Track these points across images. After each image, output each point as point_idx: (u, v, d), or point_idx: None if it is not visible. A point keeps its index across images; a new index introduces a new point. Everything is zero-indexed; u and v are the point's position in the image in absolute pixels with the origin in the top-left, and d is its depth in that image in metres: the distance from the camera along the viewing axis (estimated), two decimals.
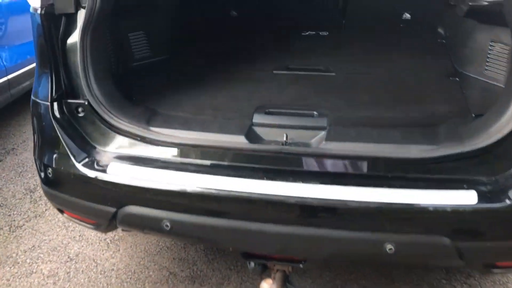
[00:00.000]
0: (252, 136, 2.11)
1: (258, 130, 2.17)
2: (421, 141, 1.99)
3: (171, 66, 2.93)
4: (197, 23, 3.52)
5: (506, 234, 1.86)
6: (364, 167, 1.96)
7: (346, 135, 2.06)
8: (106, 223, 2.19)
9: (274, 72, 2.80)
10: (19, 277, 2.93)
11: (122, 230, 2.77)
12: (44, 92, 2.22)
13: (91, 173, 2.11)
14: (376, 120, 2.20)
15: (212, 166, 2.05)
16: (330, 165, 1.98)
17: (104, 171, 2.09)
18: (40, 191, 3.72)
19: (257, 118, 2.22)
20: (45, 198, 2.48)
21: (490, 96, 2.28)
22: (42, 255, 3.10)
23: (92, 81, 2.17)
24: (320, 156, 1.98)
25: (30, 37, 2.38)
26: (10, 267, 3.00)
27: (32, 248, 3.17)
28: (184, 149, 2.10)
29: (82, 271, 2.95)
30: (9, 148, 4.50)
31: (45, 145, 2.25)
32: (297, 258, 2.17)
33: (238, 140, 2.07)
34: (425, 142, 1.98)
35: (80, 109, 2.22)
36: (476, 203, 1.79)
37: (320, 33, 3.49)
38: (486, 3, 2.23)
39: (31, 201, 3.68)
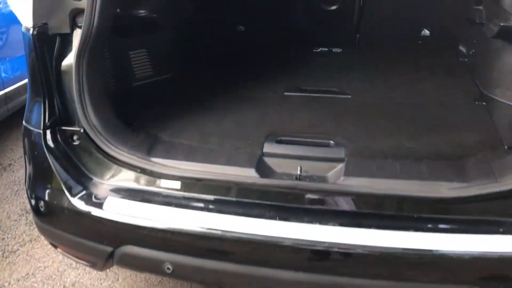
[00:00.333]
0: (263, 169, 1.93)
1: (269, 161, 1.99)
2: (450, 178, 1.80)
3: (174, 86, 2.75)
4: (203, 39, 3.34)
5: None
6: (388, 207, 1.78)
7: (367, 170, 1.87)
8: (102, 263, 2.01)
9: (285, 93, 2.61)
10: None
11: None
12: (36, 119, 2.05)
13: (86, 209, 1.93)
14: (399, 151, 2.01)
15: (219, 203, 1.87)
16: (350, 205, 1.80)
17: (100, 206, 1.92)
18: None
19: (268, 148, 2.04)
20: None
21: None
22: (36, 285, 2.91)
23: (89, 107, 1.99)
24: (338, 194, 1.80)
25: None
26: None
27: (26, 276, 2.99)
28: (188, 183, 1.92)
29: None
30: (6, 164, 4.33)
31: (37, 176, 2.08)
32: None
33: (248, 174, 1.89)
34: (454, 179, 1.79)
35: (75, 137, 2.05)
36: None
37: (333, 49, 3.30)
38: None
39: (26, 223, 3.49)
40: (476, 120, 2.25)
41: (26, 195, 3.80)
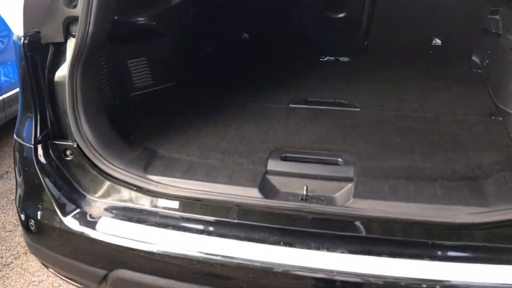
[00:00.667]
0: (266, 188, 1.82)
1: (274, 180, 1.88)
2: (468, 201, 1.68)
3: (175, 96, 2.63)
4: (205, 47, 3.22)
5: None
6: (401, 233, 1.65)
7: (378, 191, 1.75)
8: (95, 286, 1.89)
9: (290, 106, 2.49)
10: None
11: None
12: (27, 132, 1.94)
13: (78, 229, 1.82)
14: (412, 170, 1.88)
15: (218, 225, 1.75)
16: (360, 230, 1.68)
17: (93, 227, 1.81)
18: None
19: (272, 165, 1.93)
20: None
21: None
22: None
23: (83, 121, 1.88)
24: (347, 218, 1.67)
25: None
26: None
27: None
28: (186, 203, 1.80)
29: None
30: (3, 171, 4.22)
31: (28, 193, 1.97)
32: None
33: (250, 194, 1.77)
34: (472, 202, 1.67)
35: (68, 152, 1.94)
36: None
37: (340, 58, 3.18)
38: None
39: (21, 234, 3.38)
40: (493, 136, 2.12)
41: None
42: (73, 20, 1.82)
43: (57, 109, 1.92)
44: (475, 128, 2.21)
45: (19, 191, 2.00)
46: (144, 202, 1.83)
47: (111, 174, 1.87)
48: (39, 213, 1.90)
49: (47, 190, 1.88)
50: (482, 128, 2.20)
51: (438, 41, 3.11)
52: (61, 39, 1.85)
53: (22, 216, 1.96)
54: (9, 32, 4.31)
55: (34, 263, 3.10)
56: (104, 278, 1.82)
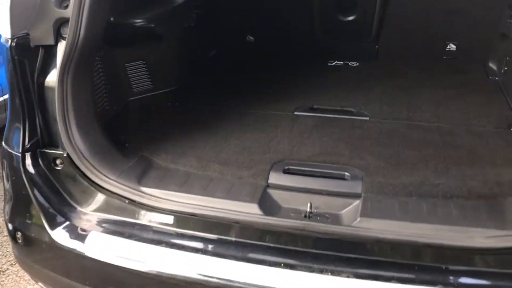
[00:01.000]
0: (267, 204, 1.70)
1: (275, 194, 1.76)
2: (485, 223, 1.55)
3: (175, 102, 2.51)
4: (208, 50, 3.10)
5: None
6: (412, 256, 1.52)
7: (387, 210, 1.63)
8: None
9: (296, 113, 2.37)
10: None
11: None
12: (16, 140, 1.83)
13: (66, 244, 1.72)
14: (424, 187, 1.75)
15: (214, 243, 1.63)
16: (367, 252, 1.54)
17: (82, 242, 1.70)
18: None
19: (274, 178, 1.81)
20: None
21: None
22: None
23: (73, 128, 1.77)
24: (354, 239, 1.55)
25: None
26: None
27: None
28: (181, 218, 1.69)
29: None
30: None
31: (15, 204, 1.86)
32: None
33: (250, 210, 1.66)
34: (490, 224, 1.54)
35: (58, 161, 1.83)
36: None
37: (349, 63, 3.04)
38: None
39: None
40: None
41: None
42: (64, 21, 1.71)
43: (47, 116, 1.81)
44: (492, 141, 2.06)
45: (7, 201, 1.90)
46: (137, 216, 1.72)
47: (102, 186, 1.77)
48: (26, 225, 1.80)
49: (34, 201, 1.77)
50: (501, 141, 2.06)
51: (452, 46, 2.95)
52: (52, 42, 1.74)
53: (10, 227, 1.86)
54: None
55: None
56: None
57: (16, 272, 3.00)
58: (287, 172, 1.85)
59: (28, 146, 1.81)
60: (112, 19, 2.17)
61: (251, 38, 3.15)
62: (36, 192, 1.79)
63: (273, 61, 3.09)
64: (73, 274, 1.75)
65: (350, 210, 1.68)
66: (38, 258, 1.83)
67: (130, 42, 2.36)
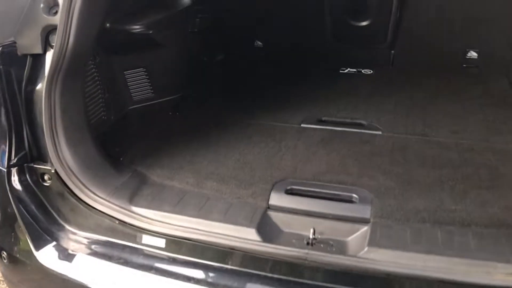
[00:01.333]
0: (266, 228, 1.57)
1: (276, 217, 1.63)
2: (507, 256, 1.39)
3: (176, 111, 2.39)
4: (215, 57, 2.97)
5: None
6: None
7: (398, 238, 1.48)
8: None
9: (302, 125, 2.22)
10: None
11: None
12: (1, 154, 1.72)
13: (51, 267, 1.61)
14: (440, 213, 1.59)
15: (209, 270, 1.50)
16: (375, 287, 1.39)
17: (68, 265, 1.59)
18: None
19: (275, 199, 1.68)
20: None
21: None
22: None
23: (62, 142, 1.67)
24: (360, 271, 1.40)
25: None
26: None
27: None
28: (173, 242, 1.56)
29: None
30: None
31: (1, 222, 1.75)
32: None
33: (247, 235, 1.53)
34: None
35: (46, 177, 1.72)
36: None
37: (363, 71, 2.88)
38: None
39: None
40: None
41: None
42: (53, 29, 1.60)
43: (36, 128, 1.71)
44: None
45: None
46: (127, 238, 1.60)
47: (91, 205, 1.66)
48: (10, 244, 1.70)
49: (20, 219, 1.67)
50: None
51: (473, 54, 2.77)
52: (40, 51, 1.63)
53: None
54: None
55: None
56: None
57: None
58: (289, 192, 1.72)
59: (15, 161, 1.70)
60: (108, 25, 2.06)
61: (260, 43, 3.00)
62: (22, 210, 1.68)
63: (281, 68, 2.94)
64: None
65: (357, 237, 1.53)
66: (24, 278, 1.73)
67: (128, 49, 2.25)
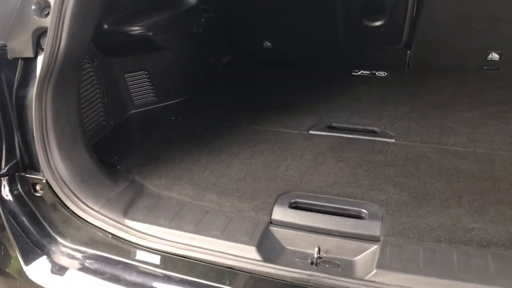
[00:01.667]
0: (268, 246, 1.47)
1: (278, 233, 1.53)
2: None
3: (179, 116, 2.29)
4: (222, 58, 2.86)
5: None
6: None
7: (410, 260, 1.37)
8: None
9: (311, 132, 2.11)
10: None
11: None
12: None
13: (40, 283, 1.52)
14: (456, 231, 1.47)
15: None
16: None
17: (58, 281, 1.51)
18: None
19: (279, 214, 1.57)
20: None
21: None
22: None
23: (54, 151, 1.58)
24: None
25: None
26: None
27: None
28: (169, 260, 1.47)
29: None
30: None
31: None
32: None
33: (247, 254, 1.43)
34: None
35: (38, 187, 1.64)
36: None
37: (377, 73, 2.75)
38: None
39: None
40: None
41: None
42: (45, 31, 1.51)
43: (27, 135, 1.62)
44: None
45: None
46: (120, 254, 1.51)
47: (83, 217, 1.57)
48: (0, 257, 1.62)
49: (9, 232, 1.59)
50: None
51: (495, 56, 2.61)
52: (31, 54, 1.54)
53: None
54: None
55: None
56: None
57: None
58: (294, 206, 1.61)
59: (5, 170, 1.62)
60: (105, 26, 1.97)
61: (269, 44, 2.88)
62: (12, 221, 1.60)
63: (291, 70, 2.82)
64: None
65: (365, 257, 1.42)
66: None
67: (128, 51, 2.15)
